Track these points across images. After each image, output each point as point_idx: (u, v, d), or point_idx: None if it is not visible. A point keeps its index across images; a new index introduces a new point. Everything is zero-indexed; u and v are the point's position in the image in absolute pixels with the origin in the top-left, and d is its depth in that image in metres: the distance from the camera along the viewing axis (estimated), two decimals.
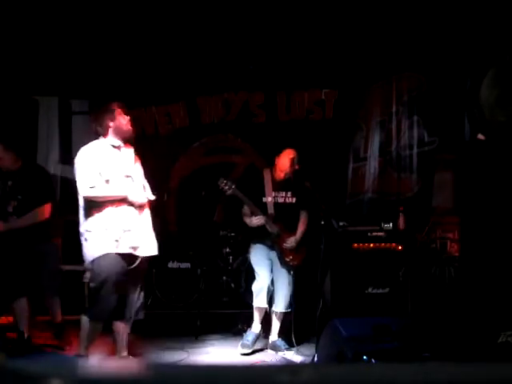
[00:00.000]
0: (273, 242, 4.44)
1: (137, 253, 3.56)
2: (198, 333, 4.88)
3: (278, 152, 4.62)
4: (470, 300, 4.28)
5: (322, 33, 5.67)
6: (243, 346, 4.42)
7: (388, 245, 4.83)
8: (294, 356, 4.35)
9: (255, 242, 4.54)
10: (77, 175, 3.52)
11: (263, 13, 5.39)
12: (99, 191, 3.46)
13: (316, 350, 3.73)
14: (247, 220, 4.49)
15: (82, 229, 3.56)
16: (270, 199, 4.49)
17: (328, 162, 5.98)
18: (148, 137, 6.41)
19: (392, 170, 5.92)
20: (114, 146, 3.64)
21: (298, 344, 4.42)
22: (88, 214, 3.51)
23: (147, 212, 3.69)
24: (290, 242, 4.42)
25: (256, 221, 4.39)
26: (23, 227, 4.23)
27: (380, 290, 4.69)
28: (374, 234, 4.87)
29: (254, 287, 4.47)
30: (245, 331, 4.85)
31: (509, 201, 4.17)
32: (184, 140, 6.40)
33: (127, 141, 3.73)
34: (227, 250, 5.62)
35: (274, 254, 4.47)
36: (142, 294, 3.74)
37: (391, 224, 4.93)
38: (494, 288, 4.06)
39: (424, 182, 5.68)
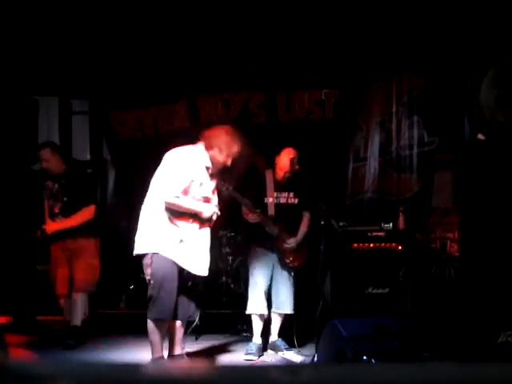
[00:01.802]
0: (272, 244, 4.43)
1: (187, 268, 3.59)
2: (198, 333, 4.88)
3: (278, 152, 4.62)
4: (469, 300, 4.27)
5: (321, 33, 5.66)
6: (248, 354, 4.32)
7: (388, 245, 4.82)
8: (294, 356, 4.34)
9: (255, 246, 4.51)
10: (166, 177, 3.54)
11: (263, 13, 5.39)
12: (181, 202, 3.52)
13: (316, 350, 3.73)
14: (245, 215, 4.48)
15: (150, 217, 3.56)
16: (271, 200, 4.48)
17: (328, 162, 5.97)
18: (148, 137, 6.40)
19: (392, 170, 5.91)
20: (205, 166, 3.71)
21: (299, 345, 4.42)
22: (164, 210, 3.52)
23: (207, 231, 3.74)
24: (290, 242, 4.41)
25: (252, 217, 4.38)
26: (70, 228, 4.45)
27: (380, 290, 4.68)
28: (374, 234, 4.86)
29: (251, 293, 4.42)
30: (245, 331, 4.84)
31: (509, 201, 4.18)
32: (184, 140, 6.38)
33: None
34: (227, 250, 5.61)
35: (274, 257, 4.44)
36: (197, 295, 3.76)
37: (391, 224, 4.92)
38: (494, 288, 4.06)
39: (424, 182, 5.66)
